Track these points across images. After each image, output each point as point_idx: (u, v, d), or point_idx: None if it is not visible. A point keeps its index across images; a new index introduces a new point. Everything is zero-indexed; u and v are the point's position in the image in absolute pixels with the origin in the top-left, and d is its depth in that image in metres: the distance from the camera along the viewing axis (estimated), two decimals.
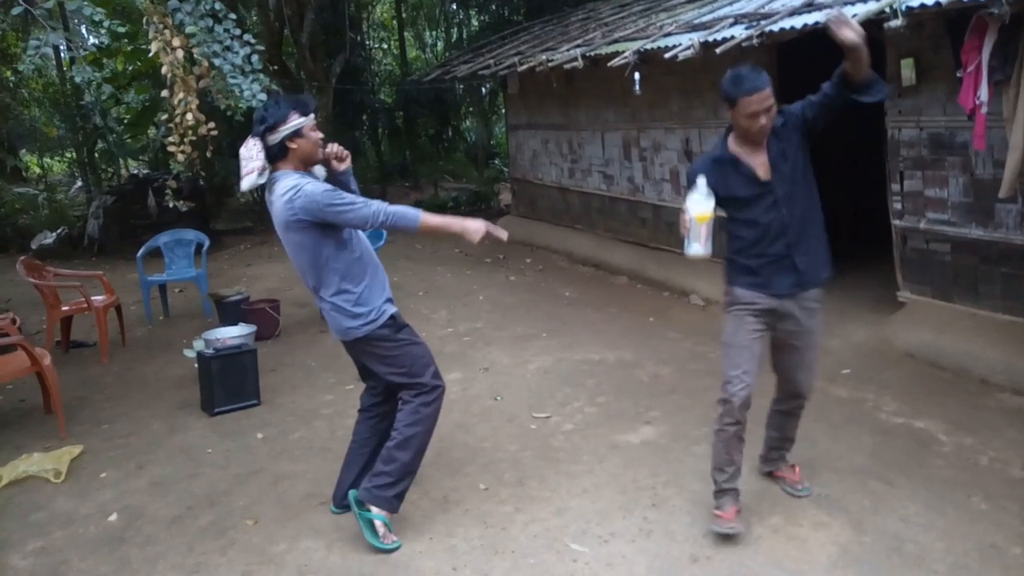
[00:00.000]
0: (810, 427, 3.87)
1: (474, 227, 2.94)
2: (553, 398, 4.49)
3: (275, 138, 2.87)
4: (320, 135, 2.97)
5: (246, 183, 2.93)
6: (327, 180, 3.01)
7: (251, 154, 2.90)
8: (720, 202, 2.80)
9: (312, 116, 2.94)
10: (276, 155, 2.90)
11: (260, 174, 2.91)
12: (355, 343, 3.06)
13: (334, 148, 3.06)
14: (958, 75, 4.12)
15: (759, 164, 2.83)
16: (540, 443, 3.90)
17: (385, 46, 17.31)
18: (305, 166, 2.96)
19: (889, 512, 3.07)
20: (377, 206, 2.86)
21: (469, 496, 3.41)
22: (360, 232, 3.06)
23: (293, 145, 2.89)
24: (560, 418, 4.20)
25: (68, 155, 15.10)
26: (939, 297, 4.85)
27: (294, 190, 2.83)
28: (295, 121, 2.87)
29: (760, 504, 3.17)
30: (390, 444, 3.08)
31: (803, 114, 2.82)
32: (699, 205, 2.72)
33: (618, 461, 3.65)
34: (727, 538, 2.91)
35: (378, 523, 3.01)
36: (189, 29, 4.30)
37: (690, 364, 4.89)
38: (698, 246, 2.74)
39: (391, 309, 3.06)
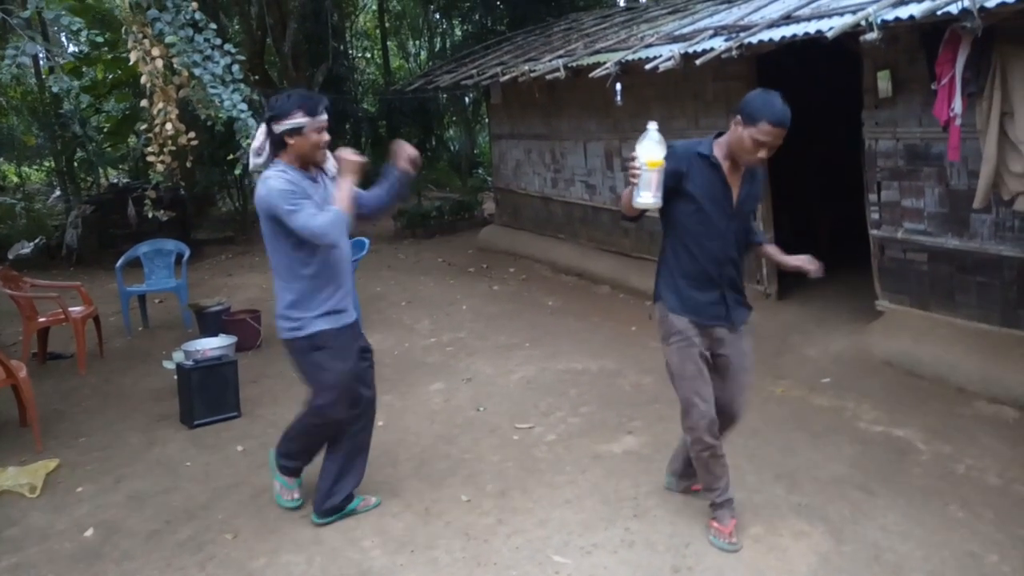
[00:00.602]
0: (790, 436, 3.91)
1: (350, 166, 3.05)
2: (536, 408, 4.49)
3: (277, 129, 2.99)
4: (325, 138, 3.02)
5: (251, 163, 3.14)
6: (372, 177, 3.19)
7: (258, 136, 3.10)
8: (679, 197, 2.74)
9: (319, 118, 2.99)
10: (276, 146, 3.03)
11: (257, 155, 3.08)
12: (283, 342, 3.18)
13: (346, 154, 3.09)
14: (933, 87, 4.18)
15: (735, 186, 2.82)
16: (523, 454, 3.90)
17: (368, 55, 17.30)
18: (302, 163, 3.04)
19: (868, 521, 3.09)
20: (305, 219, 2.89)
21: (451, 508, 3.39)
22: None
23: (291, 141, 2.98)
24: (543, 428, 4.20)
25: (47, 164, 14.92)
26: (917, 306, 4.91)
27: (263, 180, 2.97)
28: (297, 119, 2.95)
29: (741, 514, 3.18)
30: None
31: (755, 195, 2.96)
32: (650, 151, 2.58)
33: (600, 471, 3.65)
34: (721, 550, 2.92)
35: (277, 484, 3.45)
36: (169, 39, 4.27)
37: None
38: (648, 195, 2.60)
39: (320, 326, 3.05)
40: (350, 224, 3.01)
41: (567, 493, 3.46)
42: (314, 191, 3.02)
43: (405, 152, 3.15)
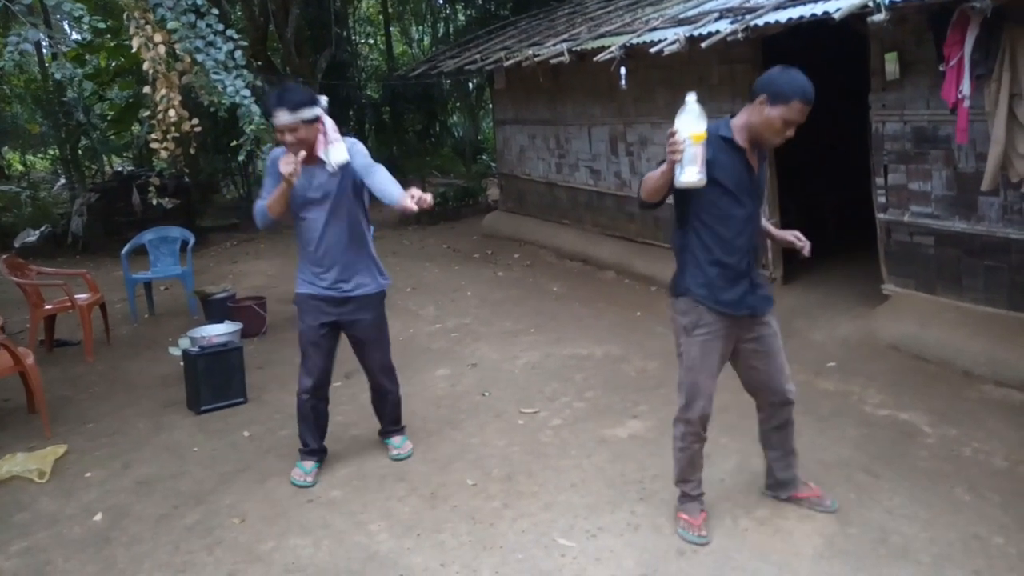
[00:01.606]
0: (797, 420, 3.87)
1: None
2: (541, 393, 4.50)
3: None
4: (289, 140, 3.19)
5: None
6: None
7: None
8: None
9: (276, 120, 3.18)
10: None
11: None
12: None
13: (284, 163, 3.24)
14: (941, 69, 4.14)
15: (756, 168, 2.73)
16: (528, 438, 3.91)
17: (371, 41, 17.23)
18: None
19: (874, 504, 3.09)
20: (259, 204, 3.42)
21: (457, 492, 3.41)
22: (303, 215, 3.40)
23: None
24: (548, 413, 4.21)
25: (51, 152, 14.93)
26: (923, 290, 4.89)
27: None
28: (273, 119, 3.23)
29: (747, 497, 3.19)
30: None
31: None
32: (692, 124, 2.40)
33: (606, 456, 3.66)
34: (690, 542, 2.88)
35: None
36: (171, 25, 4.25)
37: (675, 358, 4.90)
38: (693, 170, 2.43)
39: (301, 288, 3.54)
40: (267, 218, 3.39)
41: (572, 477, 3.47)
42: (304, 178, 3.28)
43: (417, 196, 3.03)
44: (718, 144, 2.61)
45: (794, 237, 2.93)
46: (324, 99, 3.32)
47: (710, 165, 2.51)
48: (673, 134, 2.44)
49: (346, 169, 3.31)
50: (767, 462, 3.14)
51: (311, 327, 3.51)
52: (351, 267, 3.46)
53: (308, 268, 3.50)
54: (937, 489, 3.18)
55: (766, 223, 3.03)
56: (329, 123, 3.31)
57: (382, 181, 3.22)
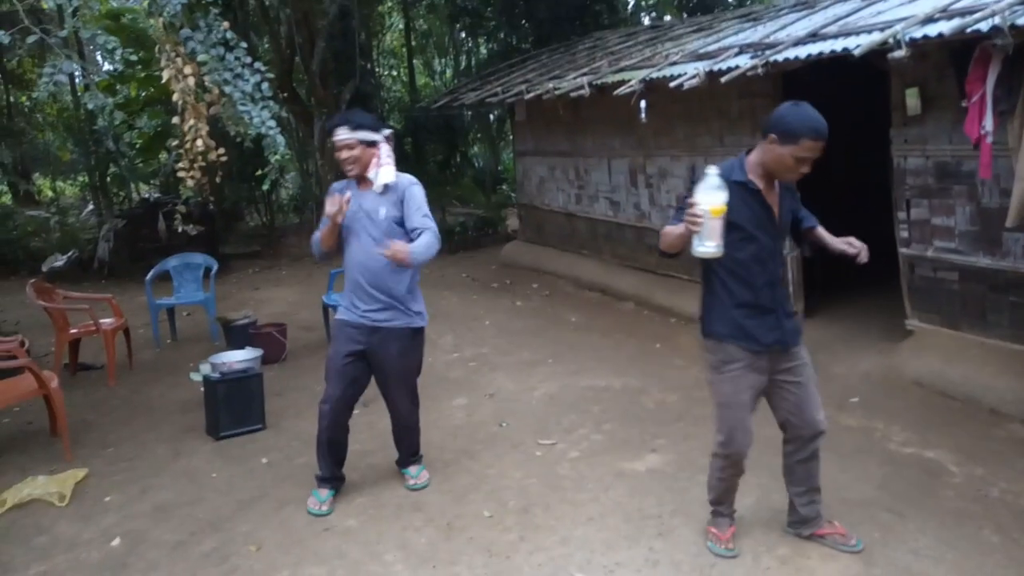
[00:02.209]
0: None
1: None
2: (559, 425, 4.47)
3: None
4: (342, 156, 3.43)
5: None
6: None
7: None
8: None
9: (335, 138, 3.44)
10: None
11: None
12: None
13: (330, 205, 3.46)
14: (963, 105, 4.14)
15: (775, 205, 2.76)
16: (545, 470, 3.88)
17: (394, 73, 17.50)
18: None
19: (899, 544, 3.03)
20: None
21: (473, 523, 3.38)
22: (350, 238, 3.52)
23: None
24: (566, 445, 4.18)
25: (81, 179, 15.25)
26: (947, 325, 4.83)
27: None
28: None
29: (768, 534, 3.13)
30: None
31: (797, 206, 2.94)
32: (712, 197, 2.45)
33: (624, 490, 3.62)
34: (718, 555, 2.95)
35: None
36: (201, 57, 4.37)
37: (696, 391, 4.86)
38: (711, 244, 2.49)
39: (340, 314, 3.64)
40: (320, 249, 3.58)
41: (590, 511, 3.44)
42: (353, 201, 3.44)
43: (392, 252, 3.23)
44: (732, 189, 2.59)
45: (846, 244, 2.92)
46: (387, 130, 3.50)
47: (730, 211, 2.56)
48: (693, 205, 2.48)
49: (393, 200, 3.44)
50: (790, 497, 3.10)
51: (337, 354, 3.56)
52: (389, 297, 3.50)
53: (349, 294, 3.59)
54: (964, 530, 3.11)
55: (822, 232, 3.00)
56: (386, 150, 3.48)
57: (417, 239, 3.36)
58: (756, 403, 2.90)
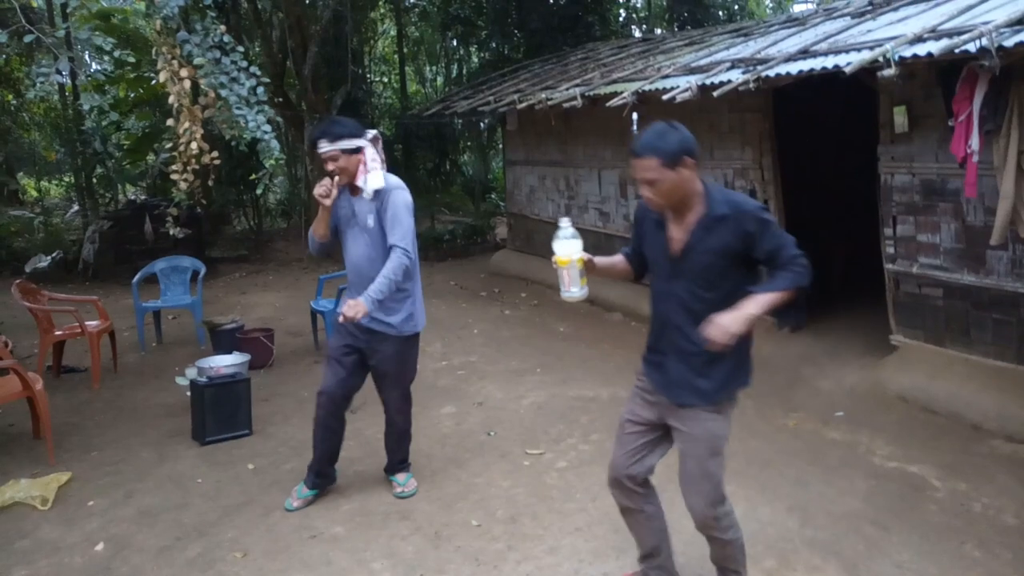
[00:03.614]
0: (803, 469, 3.88)
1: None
2: (547, 434, 4.48)
3: None
4: (329, 167, 3.41)
5: None
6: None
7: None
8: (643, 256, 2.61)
9: (318, 151, 3.43)
10: None
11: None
12: None
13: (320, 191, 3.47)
14: (950, 124, 4.20)
15: (676, 239, 2.46)
16: (533, 480, 3.88)
17: (386, 80, 17.50)
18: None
19: (883, 558, 3.06)
20: None
21: (461, 532, 3.38)
22: (347, 244, 3.57)
23: None
24: (553, 455, 4.18)
25: (66, 179, 15.13)
26: (931, 341, 4.88)
27: None
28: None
29: (754, 547, 3.15)
30: None
31: (755, 245, 2.39)
32: (562, 247, 2.49)
33: (611, 500, 3.59)
34: None
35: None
36: (197, 60, 4.36)
37: None
38: (574, 289, 2.50)
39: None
40: (314, 241, 3.59)
41: (578, 521, 3.44)
42: (346, 204, 3.50)
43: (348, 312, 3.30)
44: (646, 216, 2.55)
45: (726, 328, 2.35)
46: (372, 132, 3.50)
47: (641, 240, 2.60)
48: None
49: (380, 207, 3.45)
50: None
51: (336, 345, 3.62)
52: (384, 301, 3.46)
53: (352, 293, 3.61)
54: (947, 545, 3.14)
55: (757, 297, 2.39)
56: (370, 153, 3.46)
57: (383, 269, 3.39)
58: (642, 441, 2.63)
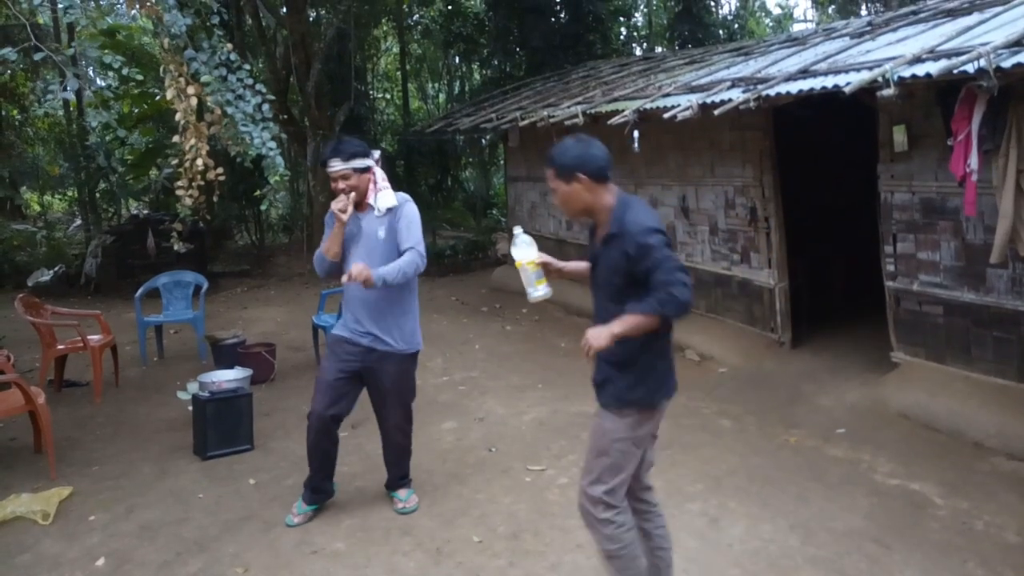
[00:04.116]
0: (805, 486, 3.88)
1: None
2: (548, 451, 4.48)
3: None
4: (339, 186, 3.46)
5: None
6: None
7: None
8: None
9: (328, 168, 3.48)
10: None
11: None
12: None
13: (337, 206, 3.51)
14: (949, 143, 4.24)
15: (592, 251, 2.69)
16: (535, 496, 3.88)
17: (388, 96, 17.64)
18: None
19: (885, 575, 3.05)
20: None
21: (463, 548, 3.37)
22: (356, 258, 3.51)
23: None
24: (555, 471, 4.18)
25: (69, 194, 15.20)
26: (932, 359, 4.89)
27: None
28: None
29: (756, 564, 3.15)
30: None
31: (635, 266, 2.45)
32: (518, 252, 2.73)
33: None
34: None
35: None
36: (204, 78, 4.42)
37: (684, 419, 4.89)
38: (532, 289, 2.72)
39: (337, 330, 3.69)
40: (323, 262, 3.58)
41: (579, 537, 3.43)
42: (352, 221, 3.51)
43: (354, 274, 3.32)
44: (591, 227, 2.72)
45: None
46: (377, 152, 3.58)
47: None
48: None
49: (392, 221, 3.53)
50: None
51: (330, 369, 3.61)
52: (384, 319, 3.56)
53: (348, 312, 3.65)
54: (949, 563, 3.14)
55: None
56: (380, 173, 3.56)
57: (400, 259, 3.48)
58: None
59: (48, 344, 5.72)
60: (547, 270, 2.75)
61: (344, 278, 3.35)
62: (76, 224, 14.16)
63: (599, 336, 2.44)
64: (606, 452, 2.61)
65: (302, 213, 12.40)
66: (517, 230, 2.77)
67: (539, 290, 2.72)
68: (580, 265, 2.85)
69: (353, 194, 3.46)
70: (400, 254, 3.50)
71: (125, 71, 4.36)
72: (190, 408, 4.80)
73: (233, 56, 4.54)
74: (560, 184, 2.59)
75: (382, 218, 3.53)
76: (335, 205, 3.45)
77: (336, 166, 3.45)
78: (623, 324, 2.44)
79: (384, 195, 3.53)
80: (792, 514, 3.58)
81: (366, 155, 3.51)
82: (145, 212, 11.89)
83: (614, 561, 2.61)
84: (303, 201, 12.20)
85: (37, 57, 3.97)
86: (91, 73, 12.79)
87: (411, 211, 3.58)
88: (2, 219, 13.09)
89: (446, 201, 15.36)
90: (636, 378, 2.58)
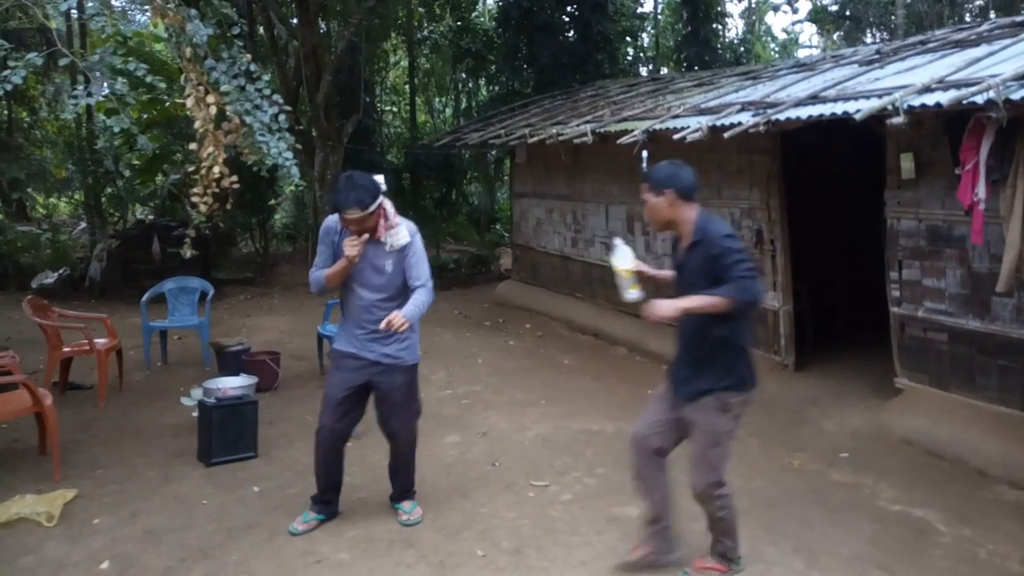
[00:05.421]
0: (808, 510, 3.89)
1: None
2: (551, 467, 4.48)
3: None
4: (352, 227, 3.45)
5: None
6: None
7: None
8: None
9: (344, 215, 3.43)
10: None
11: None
12: None
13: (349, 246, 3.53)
14: (956, 172, 4.28)
15: (676, 258, 3.16)
16: (538, 512, 3.88)
17: (395, 109, 17.74)
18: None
19: None
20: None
21: (466, 562, 3.38)
22: (354, 284, 3.61)
23: None
24: (558, 488, 4.19)
25: (76, 197, 15.24)
26: (936, 385, 4.91)
27: None
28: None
29: None
30: None
31: (716, 265, 2.92)
32: (615, 260, 3.17)
33: (616, 534, 3.63)
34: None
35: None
36: (224, 88, 4.47)
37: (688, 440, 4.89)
38: (627, 293, 3.14)
39: (339, 345, 3.72)
40: (323, 288, 3.65)
41: (583, 554, 3.44)
42: (364, 250, 3.51)
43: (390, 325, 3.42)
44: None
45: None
46: (381, 178, 3.57)
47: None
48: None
49: (401, 257, 3.58)
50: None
51: (338, 384, 3.64)
52: (390, 335, 3.56)
53: (351, 328, 3.65)
54: None
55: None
56: (389, 207, 3.56)
57: (412, 299, 3.55)
58: (662, 419, 3.25)
59: (54, 346, 5.74)
60: (640, 277, 3.17)
61: (383, 324, 3.40)
62: (81, 227, 14.18)
63: (667, 306, 2.84)
64: (718, 443, 3.05)
65: (307, 223, 12.43)
66: (618, 241, 3.20)
67: (632, 294, 3.14)
68: (667, 273, 3.29)
69: (366, 236, 3.47)
70: (406, 286, 3.59)
71: (149, 79, 4.41)
72: (194, 414, 4.81)
73: (253, 67, 4.60)
74: (651, 196, 3.05)
75: (391, 252, 3.57)
76: (351, 251, 3.44)
77: (355, 215, 3.39)
78: (692, 301, 2.86)
79: (397, 233, 3.56)
80: (796, 538, 3.59)
81: (377, 194, 3.46)
82: (151, 217, 11.93)
83: (727, 522, 3.13)
84: (308, 211, 12.23)
85: (63, 63, 4.02)
86: (98, 75, 12.89)
87: (420, 246, 3.66)
88: (6, 221, 13.10)
89: (451, 215, 15.41)
90: (726, 370, 3.02)
